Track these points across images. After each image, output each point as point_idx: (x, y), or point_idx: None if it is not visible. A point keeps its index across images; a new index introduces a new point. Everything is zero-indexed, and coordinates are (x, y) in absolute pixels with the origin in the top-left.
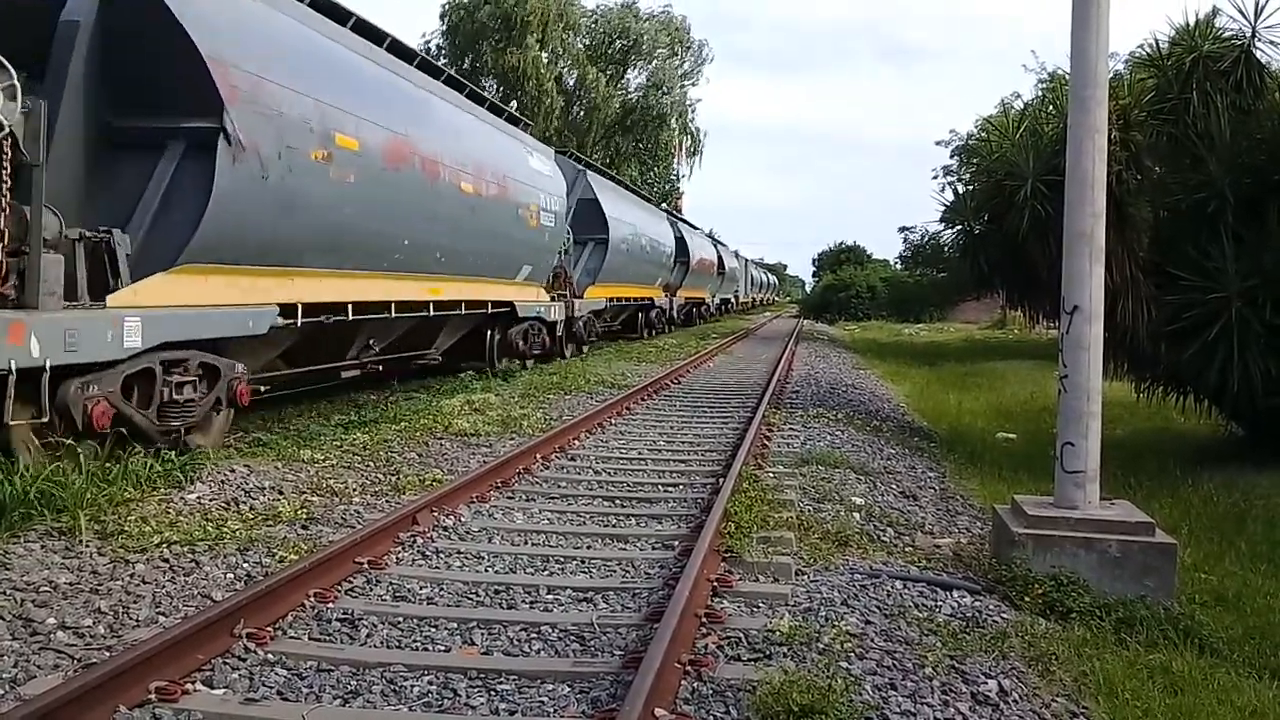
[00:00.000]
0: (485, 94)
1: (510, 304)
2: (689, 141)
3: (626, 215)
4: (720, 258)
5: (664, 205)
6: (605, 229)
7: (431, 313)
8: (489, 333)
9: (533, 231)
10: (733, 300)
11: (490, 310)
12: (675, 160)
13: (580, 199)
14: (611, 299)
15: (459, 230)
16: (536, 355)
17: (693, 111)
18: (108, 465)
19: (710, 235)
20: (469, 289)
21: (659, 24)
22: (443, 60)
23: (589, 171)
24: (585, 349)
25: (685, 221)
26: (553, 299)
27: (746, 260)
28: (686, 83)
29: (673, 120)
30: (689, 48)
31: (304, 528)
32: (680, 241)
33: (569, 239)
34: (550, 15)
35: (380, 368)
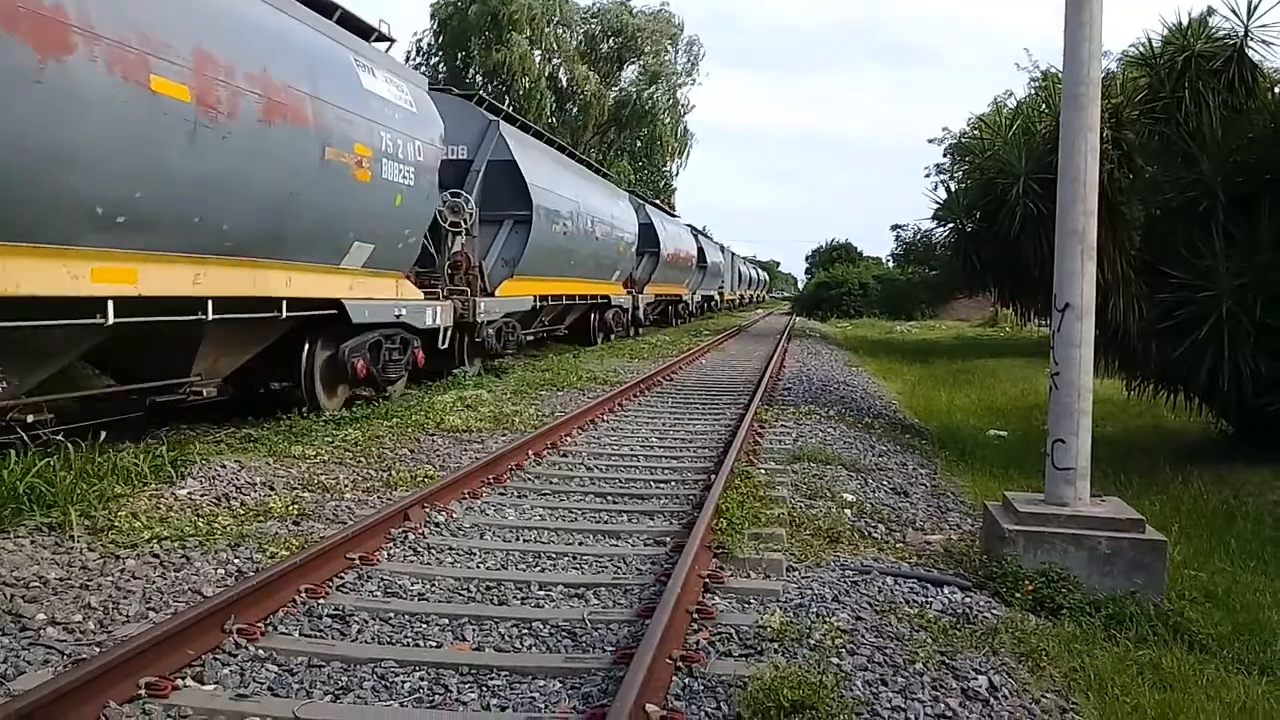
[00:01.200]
0: None
1: (338, 303)
2: (677, 140)
3: (562, 187)
4: (701, 250)
5: (636, 190)
6: (528, 203)
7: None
8: (306, 349)
9: (364, 188)
10: (717, 297)
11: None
12: (669, 157)
13: (491, 160)
14: (543, 296)
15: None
16: (387, 382)
17: (686, 109)
18: (98, 460)
19: (691, 226)
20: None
21: (653, 20)
22: (434, 59)
23: (503, 123)
24: (501, 361)
25: (657, 206)
26: (436, 296)
27: (733, 255)
28: (681, 79)
29: (665, 117)
30: (682, 44)
31: (295, 523)
32: (648, 229)
33: (471, 211)
34: (539, 12)
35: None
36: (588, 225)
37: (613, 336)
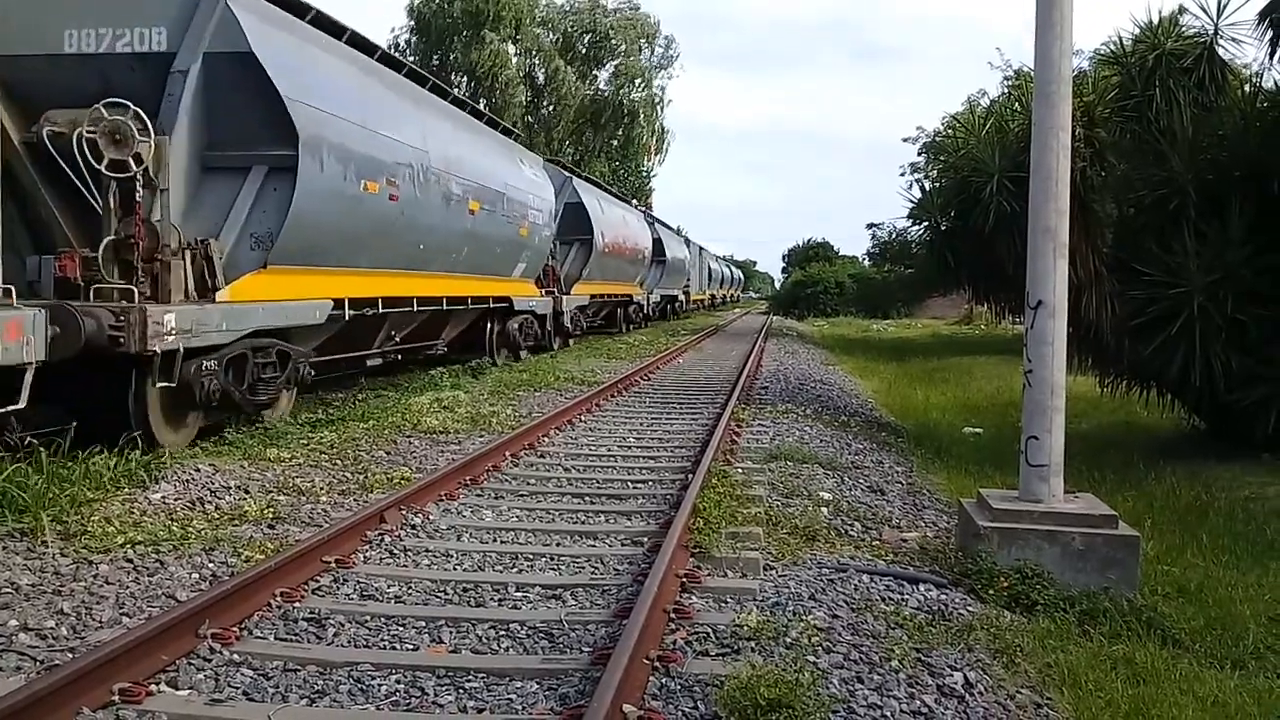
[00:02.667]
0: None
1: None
2: (654, 138)
3: (383, 121)
4: (659, 241)
5: (561, 161)
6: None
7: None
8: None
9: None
10: (681, 298)
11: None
12: (646, 157)
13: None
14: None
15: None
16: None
17: (662, 108)
18: (69, 465)
19: (647, 212)
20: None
21: (627, 19)
22: (412, 58)
23: None
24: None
25: (593, 183)
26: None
27: (701, 249)
28: (656, 77)
29: (642, 115)
30: (656, 43)
31: (270, 527)
32: (576, 210)
33: None
34: (521, 10)
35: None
36: (450, 189)
37: (522, 353)
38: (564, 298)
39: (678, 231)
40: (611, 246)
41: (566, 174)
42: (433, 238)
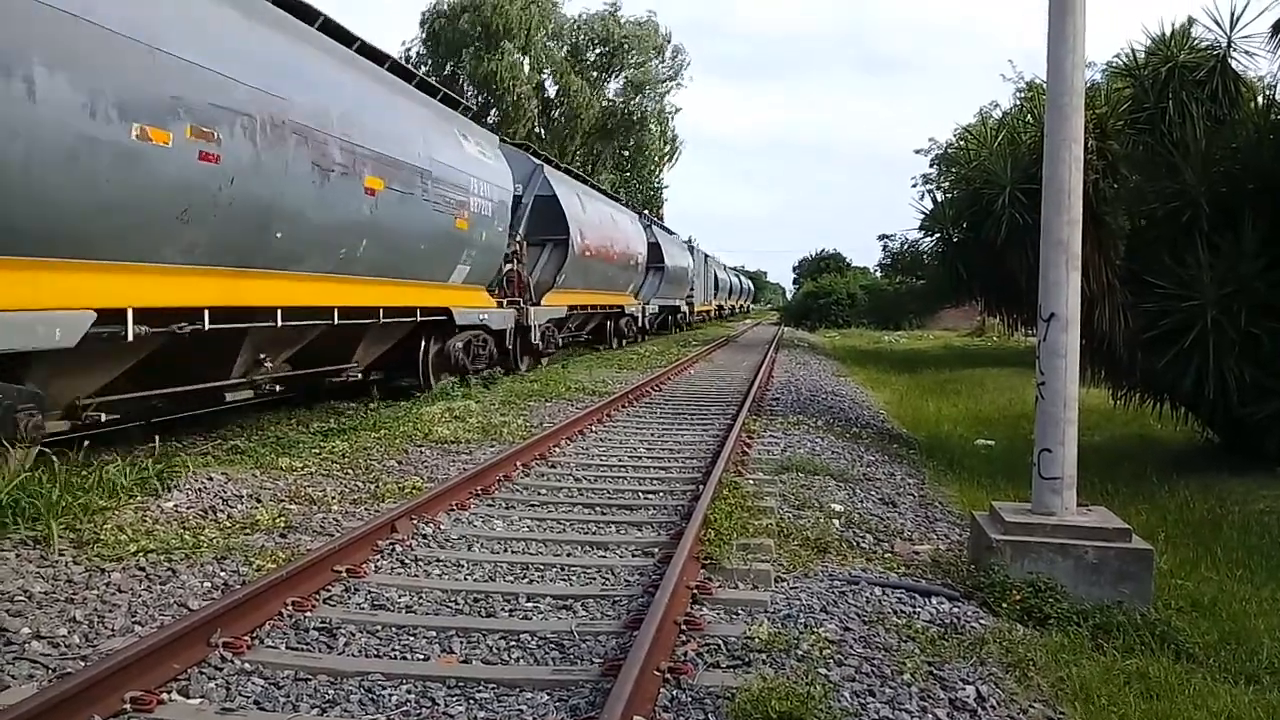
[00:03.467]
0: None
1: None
2: (666, 147)
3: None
4: (657, 246)
5: (527, 146)
6: None
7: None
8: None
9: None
10: (684, 309)
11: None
12: (656, 167)
13: None
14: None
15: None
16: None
17: (672, 117)
18: (83, 473)
19: (644, 214)
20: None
21: (638, 29)
22: (424, 69)
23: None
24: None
25: (578, 178)
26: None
27: (706, 256)
28: (666, 87)
29: (653, 125)
30: (666, 53)
31: (282, 536)
32: (548, 204)
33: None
34: (532, 22)
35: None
36: (328, 156)
37: (472, 377)
38: (532, 309)
39: (688, 241)
40: (595, 249)
41: (536, 162)
42: (301, 225)
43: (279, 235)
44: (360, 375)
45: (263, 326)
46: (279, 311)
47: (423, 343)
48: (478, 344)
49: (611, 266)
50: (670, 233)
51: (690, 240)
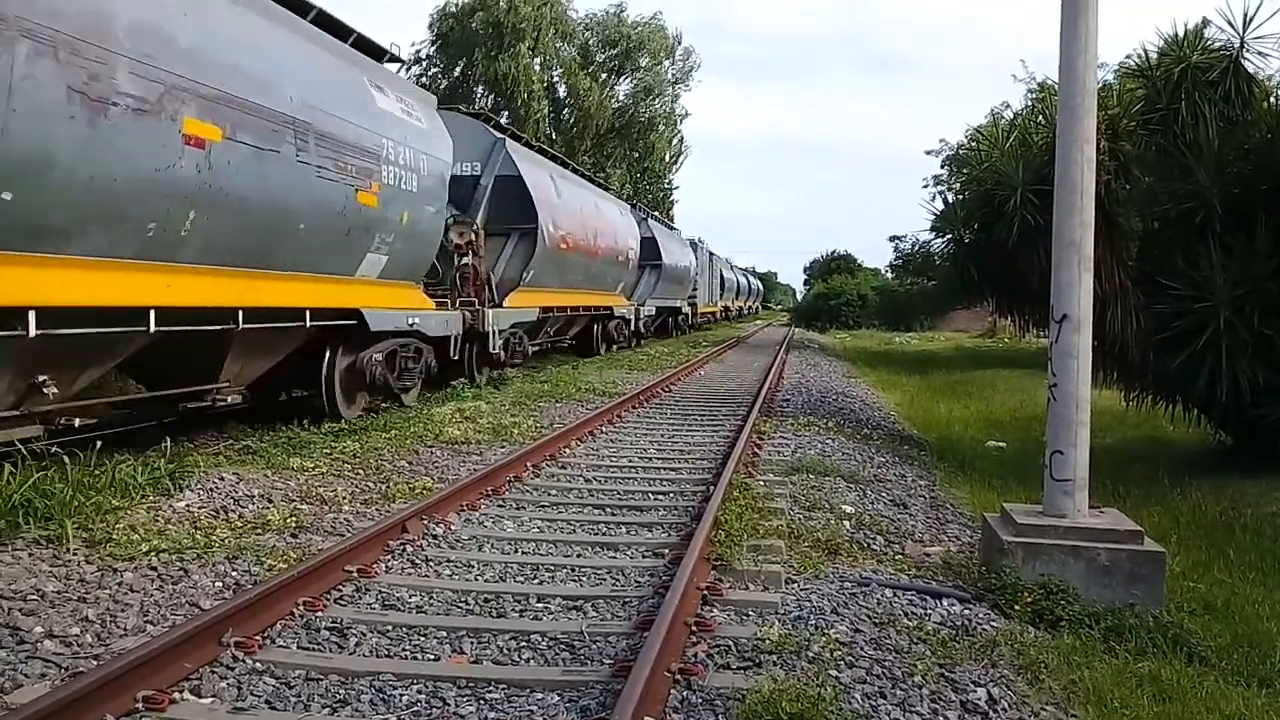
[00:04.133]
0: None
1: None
2: (674, 149)
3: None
4: (652, 241)
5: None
6: None
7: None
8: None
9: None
10: (685, 310)
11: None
12: (665, 169)
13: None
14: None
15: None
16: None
17: (682, 118)
18: (95, 473)
19: (636, 205)
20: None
21: (648, 31)
22: (434, 70)
23: None
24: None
25: (552, 158)
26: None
27: (711, 254)
28: (676, 88)
29: (662, 126)
30: (676, 55)
31: (293, 536)
32: (510, 189)
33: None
34: (543, 23)
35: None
36: (100, 83)
37: (407, 397)
38: (490, 312)
39: (691, 238)
40: (571, 241)
41: (496, 135)
42: (51, 181)
43: (5, 196)
44: (240, 396)
45: (9, 337)
46: (30, 314)
47: (327, 355)
48: (405, 356)
49: (595, 262)
50: (670, 227)
51: (701, 240)
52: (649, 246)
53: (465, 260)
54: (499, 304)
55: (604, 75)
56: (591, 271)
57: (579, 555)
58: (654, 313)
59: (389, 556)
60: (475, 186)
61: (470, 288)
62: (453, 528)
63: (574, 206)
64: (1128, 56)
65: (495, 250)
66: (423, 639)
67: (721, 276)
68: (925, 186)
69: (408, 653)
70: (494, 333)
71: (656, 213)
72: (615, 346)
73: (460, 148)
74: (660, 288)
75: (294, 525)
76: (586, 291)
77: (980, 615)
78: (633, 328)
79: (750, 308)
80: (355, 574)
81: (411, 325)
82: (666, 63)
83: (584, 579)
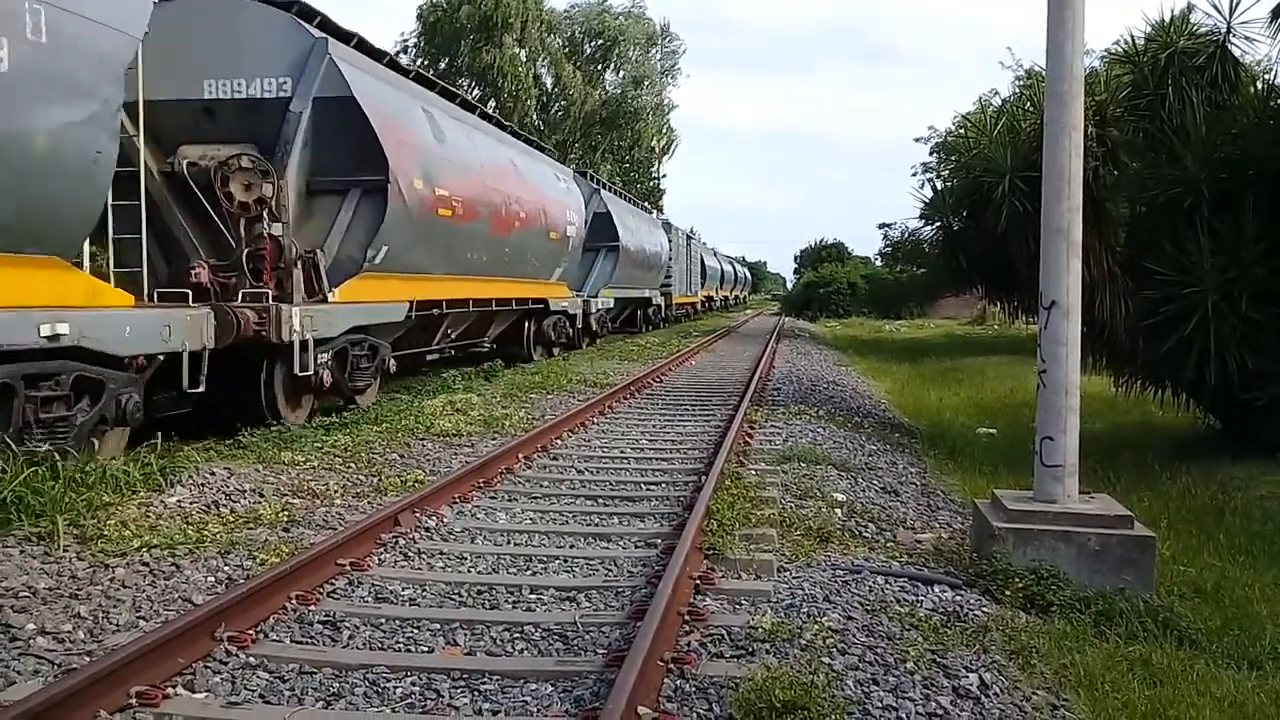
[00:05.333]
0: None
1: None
2: (663, 139)
3: None
4: (606, 218)
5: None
6: None
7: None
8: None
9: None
10: (657, 301)
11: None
12: (655, 160)
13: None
14: None
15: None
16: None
17: (669, 108)
18: (86, 469)
19: (589, 176)
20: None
21: (632, 20)
22: (421, 61)
23: None
24: None
25: (422, 81)
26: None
27: (689, 236)
28: (663, 78)
29: (650, 116)
30: (663, 44)
31: (285, 530)
32: (335, 120)
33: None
34: (529, 15)
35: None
36: None
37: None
38: (313, 313)
39: (642, 206)
40: (462, 207)
41: (316, 35)
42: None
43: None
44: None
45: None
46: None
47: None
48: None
49: (510, 239)
50: (637, 204)
51: (694, 232)
52: (602, 224)
53: (258, 229)
54: (328, 297)
55: (590, 66)
56: (505, 252)
57: (572, 546)
58: (612, 305)
59: (381, 549)
60: (284, 116)
61: (266, 270)
62: (445, 520)
63: (469, 159)
64: (1115, 42)
65: (326, 219)
66: (416, 631)
67: (702, 263)
68: (914, 174)
69: (401, 645)
70: (317, 348)
71: (624, 190)
72: (551, 351)
73: (255, 55)
74: (620, 275)
75: (286, 519)
76: (499, 280)
77: (972, 601)
78: (580, 324)
79: (739, 297)
80: (348, 567)
81: (88, 343)
82: (652, 52)
83: (577, 570)
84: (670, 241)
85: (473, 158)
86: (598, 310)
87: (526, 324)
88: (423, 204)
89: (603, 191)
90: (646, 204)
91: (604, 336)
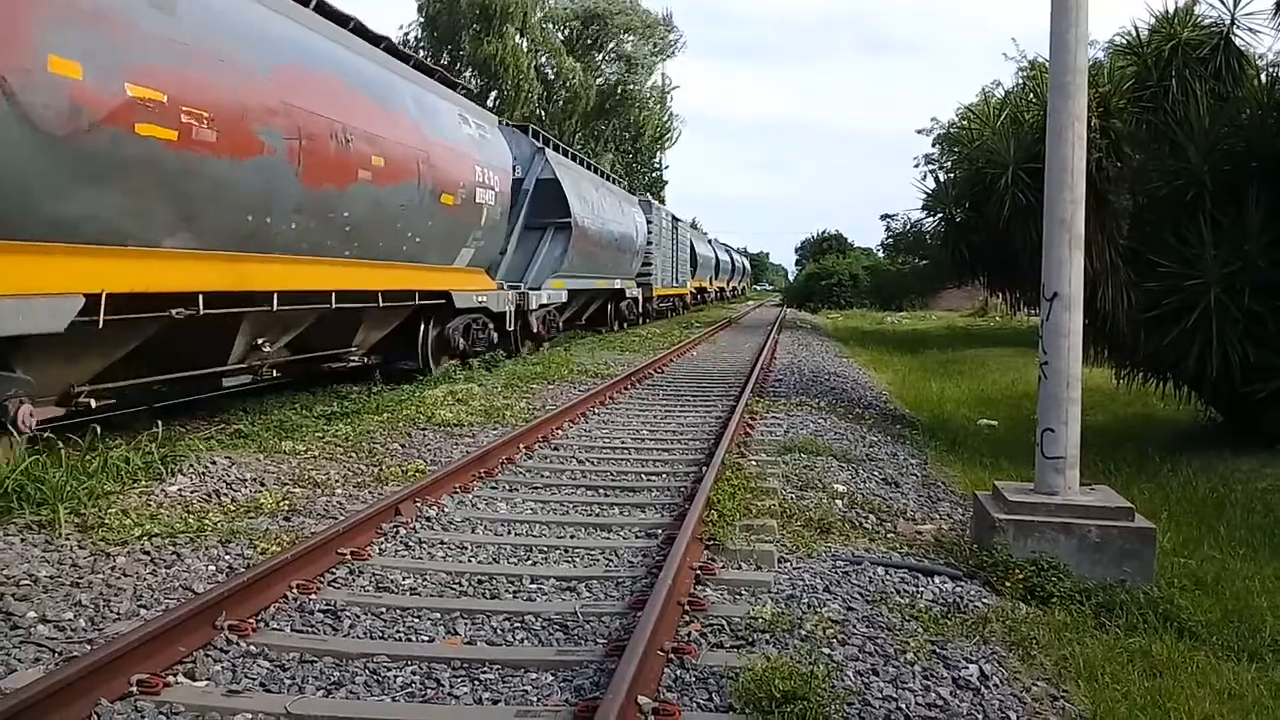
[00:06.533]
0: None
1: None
2: (664, 125)
3: None
4: (553, 185)
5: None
6: None
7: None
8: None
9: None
10: (631, 295)
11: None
12: (657, 148)
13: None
14: None
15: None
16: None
17: (669, 95)
18: (88, 458)
19: (533, 131)
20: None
21: (628, 6)
22: (421, 52)
23: None
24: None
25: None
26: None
27: (676, 220)
28: (659, 60)
29: (651, 103)
30: (660, 30)
31: (286, 519)
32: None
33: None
34: (529, 5)
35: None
36: None
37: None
38: None
39: (646, 198)
40: (190, 120)
41: None
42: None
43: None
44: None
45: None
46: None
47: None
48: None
49: (352, 194)
50: (606, 176)
51: (686, 222)
52: (546, 193)
53: None
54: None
55: (588, 55)
56: (345, 215)
57: (572, 536)
58: (564, 299)
59: (382, 539)
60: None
61: None
62: (446, 510)
63: (234, 50)
64: (1118, 34)
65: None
66: (417, 621)
67: (692, 249)
68: (917, 165)
69: (402, 634)
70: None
71: (588, 159)
72: (475, 361)
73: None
74: (575, 260)
75: (287, 508)
76: (339, 261)
77: (972, 592)
78: (510, 325)
79: (738, 288)
80: (349, 556)
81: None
82: (650, 37)
83: (577, 560)
84: (650, 223)
85: (244, 48)
86: (540, 305)
87: (423, 326)
88: (79, 108)
89: (549, 151)
90: (649, 195)
91: (551, 339)
